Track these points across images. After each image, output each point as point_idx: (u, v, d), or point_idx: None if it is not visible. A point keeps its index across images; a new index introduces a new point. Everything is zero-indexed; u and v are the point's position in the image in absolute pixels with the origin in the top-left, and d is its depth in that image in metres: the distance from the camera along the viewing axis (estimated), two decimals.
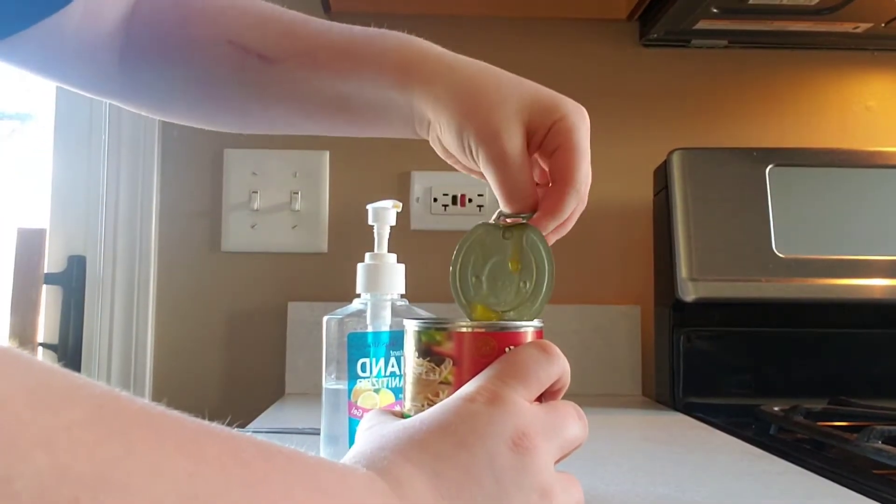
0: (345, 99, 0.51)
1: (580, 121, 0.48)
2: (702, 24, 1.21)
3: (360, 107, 0.51)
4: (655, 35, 1.27)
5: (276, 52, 0.51)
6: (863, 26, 1.20)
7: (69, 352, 1.23)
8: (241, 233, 1.27)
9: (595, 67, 1.32)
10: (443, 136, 0.49)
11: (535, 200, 0.48)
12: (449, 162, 0.53)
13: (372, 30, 0.52)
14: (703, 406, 1.07)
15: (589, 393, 1.22)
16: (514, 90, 0.47)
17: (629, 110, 1.31)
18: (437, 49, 0.50)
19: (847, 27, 1.21)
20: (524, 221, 0.48)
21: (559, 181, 0.47)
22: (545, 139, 0.48)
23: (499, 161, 0.46)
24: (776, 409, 0.92)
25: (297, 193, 1.26)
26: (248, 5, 0.53)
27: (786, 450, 0.79)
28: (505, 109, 0.47)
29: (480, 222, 0.48)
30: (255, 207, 1.26)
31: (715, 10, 1.15)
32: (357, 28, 0.52)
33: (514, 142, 0.46)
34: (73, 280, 1.24)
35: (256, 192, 1.26)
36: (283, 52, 0.51)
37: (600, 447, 0.75)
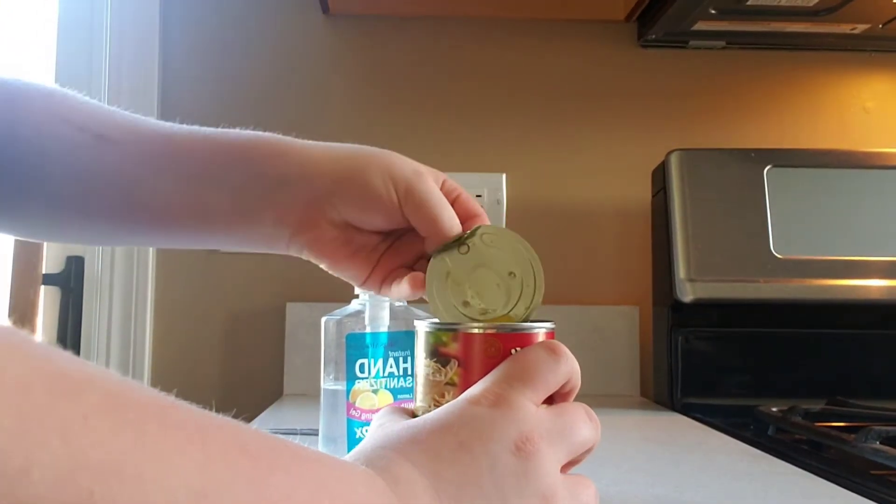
0: (203, 206, 0.46)
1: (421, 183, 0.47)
2: (700, 26, 1.21)
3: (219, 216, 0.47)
4: (654, 36, 1.27)
5: (115, 135, 0.46)
6: (860, 27, 1.20)
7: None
8: None
9: (593, 68, 1.32)
10: (346, 208, 0.47)
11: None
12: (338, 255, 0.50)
13: (219, 137, 0.47)
14: (702, 407, 1.07)
15: (587, 393, 1.22)
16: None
17: (627, 111, 1.32)
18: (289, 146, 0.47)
19: (845, 28, 1.21)
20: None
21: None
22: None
23: (427, 194, 0.47)
24: (774, 409, 0.92)
25: None
26: (77, 100, 0.47)
27: (784, 450, 0.79)
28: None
29: (430, 259, 0.47)
30: None
31: (713, 12, 1.15)
32: (200, 133, 0.47)
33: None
34: (71, 280, 1.24)
35: None
36: (122, 135, 0.46)
37: (598, 448, 0.75)
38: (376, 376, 0.59)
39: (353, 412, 0.58)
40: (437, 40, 1.30)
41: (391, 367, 0.59)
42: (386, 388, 0.59)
